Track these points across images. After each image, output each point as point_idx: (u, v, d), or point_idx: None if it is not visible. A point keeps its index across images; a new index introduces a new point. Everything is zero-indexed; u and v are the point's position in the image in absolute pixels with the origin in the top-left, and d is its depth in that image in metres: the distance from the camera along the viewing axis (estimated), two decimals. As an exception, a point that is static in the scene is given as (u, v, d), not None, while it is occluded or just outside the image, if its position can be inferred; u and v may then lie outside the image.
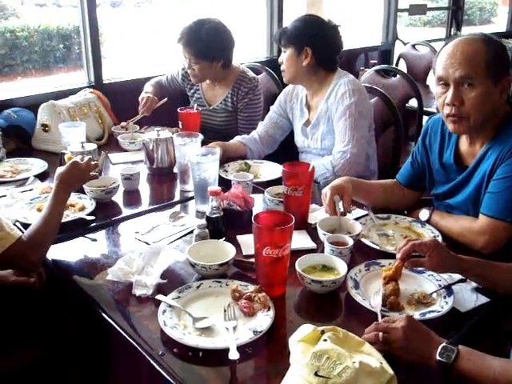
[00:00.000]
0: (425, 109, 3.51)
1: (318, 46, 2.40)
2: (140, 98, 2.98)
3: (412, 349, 1.26)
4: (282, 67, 2.48)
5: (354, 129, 2.34)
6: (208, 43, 2.78)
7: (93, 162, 1.95)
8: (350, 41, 4.91)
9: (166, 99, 2.98)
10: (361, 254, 1.74)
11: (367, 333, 1.31)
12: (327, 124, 2.45)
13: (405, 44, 5.26)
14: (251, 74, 2.99)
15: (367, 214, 1.95)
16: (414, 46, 5.10)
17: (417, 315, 1.42)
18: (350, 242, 1.66)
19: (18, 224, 1.96)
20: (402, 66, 4.95)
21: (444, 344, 1.24)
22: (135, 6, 14.15)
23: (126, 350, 1.44)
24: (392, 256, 1.67)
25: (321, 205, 2.02)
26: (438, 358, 1.22)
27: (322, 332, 1.26)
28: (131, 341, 1.39)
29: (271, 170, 2.40)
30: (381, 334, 1.29)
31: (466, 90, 1.69)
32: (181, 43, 2.83)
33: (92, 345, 1.76)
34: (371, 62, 4.51)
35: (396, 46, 5.35)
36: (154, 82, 3.19)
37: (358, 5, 12.96)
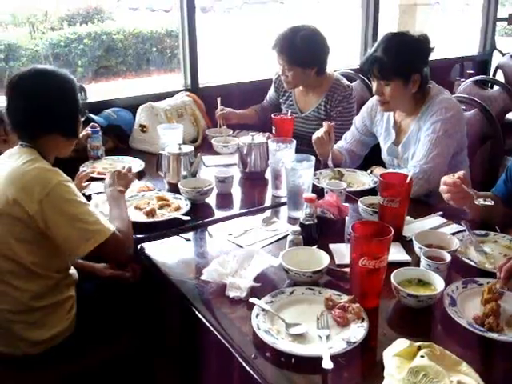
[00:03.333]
0: (525, 123, 3.38)
1: (423, 68, 2.29)
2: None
3: None
4: (382, 99, 2.32)
5: (433, 145, 2.24)
6: (302, 50, 2.79)
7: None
8: (445, 50, 4.81)
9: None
10: (457, 271, 1.68)
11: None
12: (418, 144, 2.34)
13: (503, 54, 5.06)
14: (345, 81, 2.98)
15: (464, 230, 1.89)
16: (513, 56, 4.90)
17: (517, 338, 1.37)
18: (448, 257, 1.62)
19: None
20: (500, 78, 4.77)
21: None
22: (225, 11, 14.41)
23: (217, 349, 1.47)
24: (490, 274, 1.62)
25: (416, 218, 1.99)
26: None
27: (419, 348, 1.24)
28: (224, 341, 1.41)
29: (364, 180, 2.38)
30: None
31: None
32: (275, 50, 2.85)
33: (183, 340, 1.81)
34: (467, 72, 4.37)
35: (493, 56, 5.17)
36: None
37: (452, 12, 12.65)
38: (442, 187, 1.84)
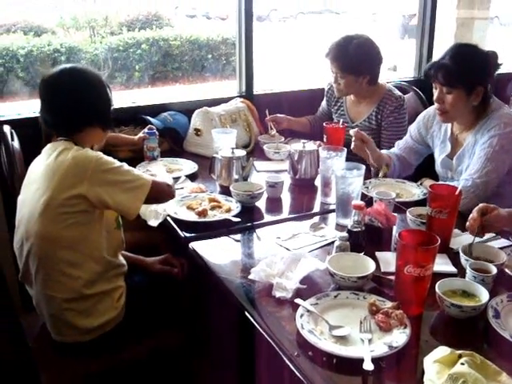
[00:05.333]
0: None
1: (488, 83, 2.28)
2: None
3: None
4: (442, 107, 2.31)
5: (488, 160, 2.23)
6: (355, 58, 2.82)
7: None
8: (503, 64, 4.73)
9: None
10: (503, 284, 1.68)
11: None
12: (473, 157, 2.33)
13: None
14: (397, 92, 2.99)
15: (513, 245, 1.89)
16: None
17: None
18: (494, 270, 1.63)
19: (168, 218, 2.13)
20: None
21: None
22: (280, 20, 14.52)
23: (261, 346, 1.52)
24: (537, 290, 1.62)
25: (463, 230, 1.99)
26: None
27: (460, 356, 1.26)
28: (268, 338, 1.46)
29: (413, 191, 2.40)
30: None
31: None
32: (328, 57, 2.89)
33: (228, 337, 1.86)
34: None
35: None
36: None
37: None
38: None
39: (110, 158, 1.88)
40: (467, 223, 1.85)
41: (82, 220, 1.83)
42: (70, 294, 1.87)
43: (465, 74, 2.23)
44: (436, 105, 2.35)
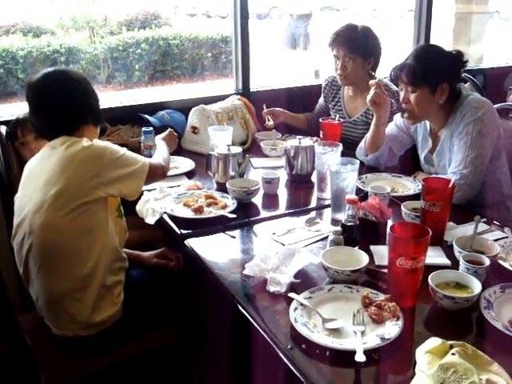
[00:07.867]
0: None
1: (453, 79, 2.31)
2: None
3: None
4: (409, 107, 2.33)
5: (469, 148, 2.24)
6: (363, 39, 2.89)
7: None
8: (501, 58, 4.74)
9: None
10: (496, 276, 1.69)
11: None
12: (453, 149, 2.35)
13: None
14: (394, 87, 2.98)
15: (507, 237, 1.90)
16: None
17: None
18: (487, 261, 1.64)
19: (165, 215, 2.14)
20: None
21: None
22: (280, 18, 14.51)
23: (258, 341, 1.52)
24: (530, 281, 1.63)
25: (458, 223, 2.00)
26: None
27: (451, 346, 1.27)
28: (262, 332, 1.47)
29: (408, 185, 2.41)
30: None
31: None
32: (336, 43, 2.92)
33: (223, 332, 1.88)
34: (522, 81, 4.30)
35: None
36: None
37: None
38: None
39: (116, 146, 1.95)
40: None
41: (91, 208, 1.86)
42: (76, 283, 1.88)
43: (427, 72, 2.25)
44: (403, 105, 2.37)
